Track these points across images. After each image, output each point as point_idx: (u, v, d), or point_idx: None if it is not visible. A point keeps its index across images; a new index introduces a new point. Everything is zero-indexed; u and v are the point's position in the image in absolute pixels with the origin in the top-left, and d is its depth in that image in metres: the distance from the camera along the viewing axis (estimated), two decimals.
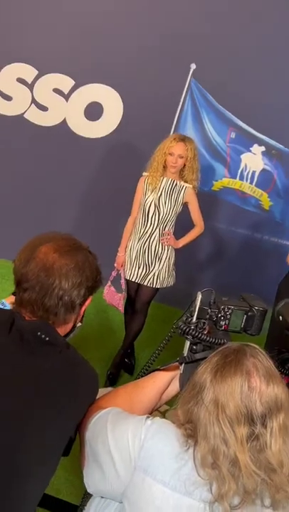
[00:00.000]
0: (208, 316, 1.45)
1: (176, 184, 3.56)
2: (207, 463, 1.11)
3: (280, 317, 1.58)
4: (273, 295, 3.32)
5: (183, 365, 1.44)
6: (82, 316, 1.48)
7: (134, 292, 3.74)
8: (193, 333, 1.40)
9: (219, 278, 4.78)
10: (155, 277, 3.62)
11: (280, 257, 4.39)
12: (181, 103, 4.67)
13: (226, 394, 1.12)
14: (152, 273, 3.61)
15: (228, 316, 1.44)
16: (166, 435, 1.19)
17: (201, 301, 1.44)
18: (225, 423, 1.10)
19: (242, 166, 4.74)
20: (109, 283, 3.78)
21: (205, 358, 1.27)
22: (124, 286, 3.75)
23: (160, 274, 3.61)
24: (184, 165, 3.52)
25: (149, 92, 4.67)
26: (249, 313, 1.45)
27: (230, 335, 1.46)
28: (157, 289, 3.68)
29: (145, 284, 3.63)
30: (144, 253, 3.58)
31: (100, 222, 4.90)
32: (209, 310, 1.45)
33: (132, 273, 3.65)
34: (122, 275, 3.72)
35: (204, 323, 1.43)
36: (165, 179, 3.55)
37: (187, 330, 1.40)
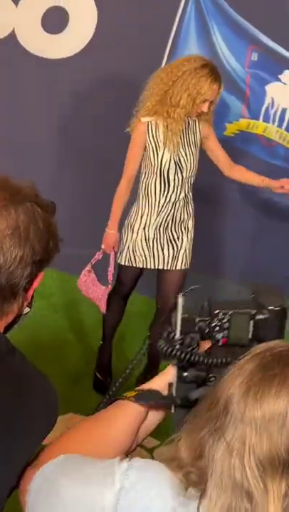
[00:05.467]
0: (197, 329, 1.29)
1: (188, 123, 3.23)
2: None
3: None
4: None
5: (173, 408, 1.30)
6: (31, 299, 1.34)
7: (132, 281, 3.48)
8: (180, 355, 1.23)
9: (242, 262, 4.42)
10: (187, 254, 3.38)
11: None
12: (180, 10, 4.04)
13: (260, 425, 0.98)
14: (183, 249, 3.37)
15: (226, 325, 1.28)
16: (155, 483, 1.07)
17: (184, 308, 1.28)
18: (252, 469, 0.96)
19: (267, 101, 4.09)
20: (89, 266, 3.48)
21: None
22: (110, 278, 3.44)
23: (190, 247, 3.40)
24: None
25: None
26: (258, 317, 1.29)
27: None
28: (187, 270, 3.43)
29: (177, 268, 3.36)
30: (167, 227, 3.31)
31: (73, 181, 4.57)
32: (197, 319, 1.28)
33: (156, 260, 3.35)
34: (110, 261, 3.43)
35: (193, 338, 1.27)
36: None
37: (171, 351, 1.24)
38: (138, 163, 3.27)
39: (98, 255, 3.44)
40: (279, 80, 4.02)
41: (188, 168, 3.23)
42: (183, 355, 1.25)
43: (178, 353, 1.25)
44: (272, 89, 4.04)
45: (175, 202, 3.28)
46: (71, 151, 4.56)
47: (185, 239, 3.36)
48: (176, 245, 3.35)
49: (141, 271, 3.41)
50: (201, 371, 1.29)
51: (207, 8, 3.98)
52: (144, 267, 3.35)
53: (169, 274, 3.40)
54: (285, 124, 4.08)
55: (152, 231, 3.31)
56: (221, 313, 1.30)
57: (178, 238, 3.35)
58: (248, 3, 4.00)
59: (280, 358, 1.04)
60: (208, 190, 3.85)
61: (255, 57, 4.02)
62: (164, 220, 3.31)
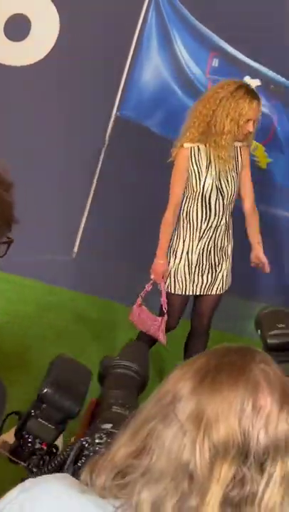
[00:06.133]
0: (30, 445, 1.30)
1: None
2: None
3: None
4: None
5: None
6: None
7: (181, 309, 3.36)
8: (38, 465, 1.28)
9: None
10: (224, 279, 3.29)
11: (280, 234, 4.23)
12: (142, 17, 4.06)
13: (217, 410, 0.95)
14: (221, 275, 3.28)
15: (32, 435, 1.31)
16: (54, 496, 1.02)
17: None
18: (203, 451, 0.92)
19: None
20: (140, 300, 3.33)
21: None
22: (165, 306, 3.26)
23: (228, 273, 3.31)
24: None
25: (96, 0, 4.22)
26: (37, 411, 1.30)
27: None
28: (221, 294, 3.36)
29: (213, 292, 3.28)
30: (210, 253, 3.23)
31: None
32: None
33: (196, 286, 3.25)
34: (162, 291, 3.26)
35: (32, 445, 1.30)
36: None
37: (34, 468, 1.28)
38: (182, 188, 3.20)
39: (148, 287, 3.33)
40: None
41: (230, 194, 3.18)
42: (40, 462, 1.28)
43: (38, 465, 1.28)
44: None
45: (216, 227, 3.21)
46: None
47: (224, 264, 3.30)
48: (216, 271, 3.29)
49: (196, 296, 3.32)
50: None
51: (168, 16, 3.96)
52: (183, 293, 3.25)
53: (206, 296, 3.33)
54: None
55: (196, 257, 3.24)
56: (21, 433, 1.30)
57: (218, 264, 3.28)
58: (207, 10, 4.00)
59: (237, 349, 1.04)
60: None
61: (216, 63, 4.04)
62: (206, 245, 3.24)
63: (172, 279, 3.22)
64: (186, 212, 3.19)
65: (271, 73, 4.02)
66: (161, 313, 3.29)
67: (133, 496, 0.98)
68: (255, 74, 4.01)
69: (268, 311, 1.63)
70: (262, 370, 1.01)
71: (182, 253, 3.21)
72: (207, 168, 3.09)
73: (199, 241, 3.21)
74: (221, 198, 3.16)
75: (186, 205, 3.18)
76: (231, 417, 0.96)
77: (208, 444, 0.95)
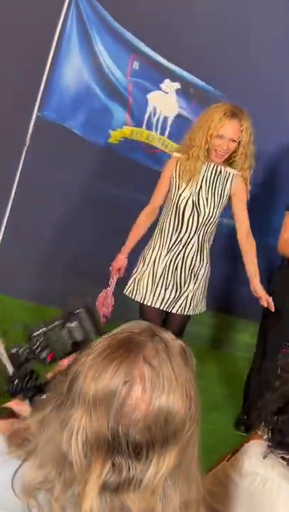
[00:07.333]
0: (23, 359, 1.36)
1: (220, 171, 3.10)
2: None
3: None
4: None
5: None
6: None
7: (152, 322, 3.00)
8: (21, 387, 1.34)
9: None
10: (188, 301, 3.16)
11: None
12: (62, 17, 3.85)
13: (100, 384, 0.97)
14: (185, 295, 3.16)
15: (44, 343, 1.35)
16: None
17: (5, 348, 1.36)
18: (78, 445, 0.97)
19: (149, 109, 4.06)
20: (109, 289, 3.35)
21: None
22: (111, 301, 3.33)
23: (194, 296, 3.17)
24: (235, 149, 3.05)
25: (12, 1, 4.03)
26: (69, 324, 1.36)
27: None
28: (189, 316, 3.22)
29: (174, 311, 3.16)
30: (176, 269, 3.13)
31: None
32: (20, 350, 1.36)
33: (156, 298, 3.15)
34: (111, 282, 3.30)
35: (26, 368, 1.36)
36: (205, 165, 3.08)
37: (13, 389, 1.33)
38: (162, 196, 3.16)
39: (112, 280, 3.31)
40: (160, 88, 4.01)
41: (207, 214, 3.07)
42: (23, 386, 1.33)
43: (19, 387, 1.32)
44: (154, 98, 4.03)
45: (187, 243, 3.11)
46: None
47: (192, 286, 3.16)
48: (181, 289, 3.16)
49: (164, 312, 3.20)
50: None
51: (88, 16, 3.86)
52: (142, 301, 3.15)
53: (171, 316, 3.23)
54: (167, 132, 4.08)
55: (161, 268, 3.14)
56: (35, 335, 1.36)
57: (184, 283, 3.15)
58: (127, 12, 3.93)
59: (125, 342, 1.04)
60: None
61: (136, 66, 3.98)
62: (174, 259, 3.14)
63: (135, 286, 3.17)
64: (161, 221, 3.16)
65: (191, 77, 4.00)
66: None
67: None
68: (175, 77, 4.00)
69: None
70: (160, 343, 1.03)
71: (149, 261, 3.15)
72: (189, 180, 3.04)
73: (168, 253, 3.13)
74: (196, 214, 3.06)
75: (162, 215, 3.16)
76: (102, 412, 0.98)
77: (82, 438, 0.98)
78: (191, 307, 3.17)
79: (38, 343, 1.36)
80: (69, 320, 1.37)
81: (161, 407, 0.97)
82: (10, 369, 1.36)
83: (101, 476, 0.97)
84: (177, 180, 3.08)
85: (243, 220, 3.15)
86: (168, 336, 1.05)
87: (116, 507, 0.98)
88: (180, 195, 3.06)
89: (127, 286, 3.18)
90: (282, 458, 1.43)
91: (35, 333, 1.36)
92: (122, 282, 3.23)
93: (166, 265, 3.13)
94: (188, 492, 1.01)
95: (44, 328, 1.36)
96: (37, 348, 1.35)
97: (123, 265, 3.23)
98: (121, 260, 3.24)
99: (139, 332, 1.04)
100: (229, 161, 3.09)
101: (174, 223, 3.10)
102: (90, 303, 1.43)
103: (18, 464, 1.03)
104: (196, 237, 3.09)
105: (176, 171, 3.08)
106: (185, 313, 3.17)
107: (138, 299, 3.13)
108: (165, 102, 4.03)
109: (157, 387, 0.98)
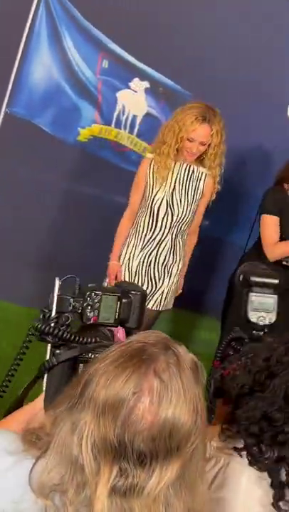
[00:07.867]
0: (71, 308, 1.37)
1: (192, 171, 3.13)
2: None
3: (241, 276, 1.68)
4: None
5: (45, 377, 1.35)
6: None
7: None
8: (54, 331, 1.32)
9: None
10: (163, 297, 3.22)
11: None
12: (32, 13, 3.88)
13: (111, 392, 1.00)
14: (160, 291, 3.22)
15: (97, 305, 1.39)
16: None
17: (61, 290, 1.37)
18: (87, 449, 1.00)
19: (118, 107, 4.10)
20: None
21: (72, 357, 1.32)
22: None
23: (169, 292, 3.24)
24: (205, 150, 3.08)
25: None
26: (124, 300, 1.42)
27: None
28: (159, 312, 3.26)
29: (148, 306, 3.11)
30: (150, 265, 3.20)
31: None
32: (72, 300, 1.37)
33: None
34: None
35: (67, 317, 1.36)
36: (178, 165, 3.11)
37: (46, 329, 1.32)
38: (139, 197, 3.18)
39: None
40: (129, 87, 4.03)
41: (181, 214, 3.13)
42: (56, 332, 1.33)
43: (52, 330, 1.33)
44: (123, 96, 4.05)
45: (160, 242, 3.17)
46: None
47: (166, 282, 3.24)
48: (156, 286, 3.23)
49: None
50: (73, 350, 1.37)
51: (57, 13, 3.86)
52: None
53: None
54: (135, 130, 4.10)
55: (135, 266, 3.21)
56: (92, 294, 1.39)
57: (159, 279, 3.23)
58: (96, 11, 3.92)
59: (138, 352, 1.06)
60: None
61: (106, 64, 3.99)
62: (147, 257, 3.20)
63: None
64: (137, 220, 3.20)
65: (159, 76, 4.02)
66: None
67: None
68: (144, 76, 4.02)
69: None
70: (172, 357, 1.04)
71: (124, 258, 3.21)
72: (161, 183, 3.08)
73: (141, 250, 3.20)
74: (170, 214, 3.12)
75: (139, 214, 3.19)
76: (109, 419, 1.00)
77: (91, 442, 1.00)
78: (164, 303, 3.24)
79: (92, 301, 1.39)
80: (125, 297, 1.43)
81: (167, 419, 1.00)
82: (54, 309, 1.37)
83: (110, 480, 1.00)
84: (151, 181, 3.11)
85: (197, 224, 3.26)
86: (181, 349, 1.08)
87: (126, 511, 1.01)
88: (154, 196, 3.11)
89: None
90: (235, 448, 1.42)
91: (93, 292, 1.40)
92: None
93: (139, 262, 3.19)
94: (192, 502, 1.03)
95: (102, 293, 1.40)
96: (88, 305, 1.39)
97: (119, 270, 3.24)
98: (115, 266, 3.25)
99: (153, 343, 1.06)
100: (200, 159, 3.12)
101: (149, 223, 3.16)
102: (146, 294, 1.49)
103: (32, 463, 1.05)
104: (169, 235, 3.16)
105: (150, 172, 3.11)
106: (159, 309, 3.23)
107: None
108: (134, 100, 4.06)
109: (165, 401, 1.01)
